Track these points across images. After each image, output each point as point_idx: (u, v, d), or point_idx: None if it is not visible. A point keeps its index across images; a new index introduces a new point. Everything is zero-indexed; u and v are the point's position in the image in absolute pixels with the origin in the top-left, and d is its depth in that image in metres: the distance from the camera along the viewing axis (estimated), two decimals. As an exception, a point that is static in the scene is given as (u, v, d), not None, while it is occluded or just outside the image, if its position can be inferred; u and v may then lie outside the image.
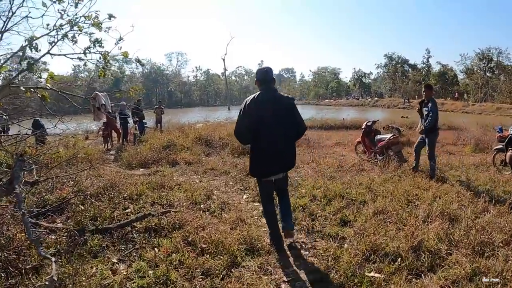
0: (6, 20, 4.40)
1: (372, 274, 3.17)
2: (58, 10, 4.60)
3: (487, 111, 37.81)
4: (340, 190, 5.38)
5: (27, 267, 3.31)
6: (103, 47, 5.08)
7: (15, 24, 4.61)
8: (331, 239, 3.88)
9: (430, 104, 6.94)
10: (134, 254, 3.65)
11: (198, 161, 8.30)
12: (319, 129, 17.83)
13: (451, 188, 5.78)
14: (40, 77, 4.85)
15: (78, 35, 4.95)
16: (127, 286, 3.07)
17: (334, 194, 5.23)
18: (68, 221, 4.46)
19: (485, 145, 11.55)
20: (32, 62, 4.54)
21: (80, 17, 4.77)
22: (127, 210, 4.81)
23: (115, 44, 4.95)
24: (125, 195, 5.28)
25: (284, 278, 3.26)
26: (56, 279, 2.84)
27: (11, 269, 3.24)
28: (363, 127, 9.05)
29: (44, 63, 68.47)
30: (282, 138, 3.68)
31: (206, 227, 3.98)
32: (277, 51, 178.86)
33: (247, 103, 3.63)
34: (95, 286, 2.99)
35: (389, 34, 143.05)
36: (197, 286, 3.04)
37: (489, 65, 52.37)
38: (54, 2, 4.53)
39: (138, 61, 5.42)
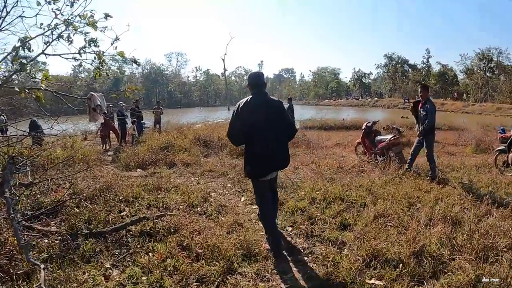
0: (0, 20, 4.32)
1: (372, 281, 3.07)
2: (52, 9, 4.54)
3: (487, 111, 37.67)
4: (340, 192, 5.28)
5: (19, 272, 3.21)
6: (98, 46, 4.99)
7: (9, 23, 4.54)
8: (330, 244, 3.77)
9: (427, 105, 6.85)
10: (128, 259, 3.55)
11: (196, 162, 8.20)
12: (318, 129, 17.74)
13: (453, 190, 5.68)
14: (35, 78, 4.76)
15: (74, 35, 4.88)
16: (119, 293, 2.97)
17: (334, 196, 5.13)
18: (62, 224, 4.36)
19: (486, 145, 11.44)
20: (25, 62, 4.46)
21: (75, 16, 4.69)
22: (122, 213, 4.72)
23: (111, 44, 4.88)
24: (121, 198, 5.19)
25: (282, 285, 3.15)
26: (44, 287, 2.74)
27: (1, 274, 3.14)
28: (363, 127, 8.93)
29: (44, 63, 68.49)
30: (274, 142, 3.74)
31: (202, 231, 3.88)
32: (277, 51, 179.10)
33: (240, 106, 3.70)
34: (86, 293, 2.89)
35: (389, 34, 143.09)
36: (192, 294, 2.95)
37: (489, 65, 52.23)
38: (49, 2, 4.47)
39: (134, 61, 5.32)
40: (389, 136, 8.23)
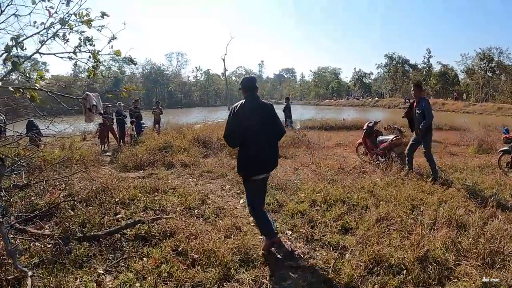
0: (-6, 18, 4.23)
1: (375, 288, 2.95)
2: (46, 7, 4.44)
3: (488, 111, 37.49)
4: (341, 194, 5.15)
5: (9, 278, 3.10)
6: (94, 45, 4.90)
7: (3, 22, 4.45)
8: (331, 249, 3.65)
9: (423, 103, 6.74)
10: (122, 264, 3.44)
11: (195, 163, 8.07)
12: (319, 129, 17.58)
13: (457, 192, 5.55)
14: (29, 77, 4.65)
15: (69, 34, 4.78)
16: (111, 301, 2.85)
17: (335, 198, 5.00)
18: (56, 227, 4.25)
19: (489, 146, 11.30)
20: (17, 61, 4.35)
21: (71, 14, 4.59)
22: (118, 216, 4.61)
23: (108, 42, 4.78)
24: (117, 200, 5.08)
25: (281, 293, 3.03)
26: (32, 295, 2.63)
27: (-9, 280, 3.03)
28: (364, 128, 8.79)
29: (44, 63, 68.55)
30: (267, 144, 3.87)
31: (199, 235, 3.76)
32: (278, 51, 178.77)
33: (236, 109, 3.81)
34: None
35: (389, 34, 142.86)
36: (187, 302, 2.83)
37: (490, 65, 52.05)
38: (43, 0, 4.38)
39: (131, 60, 5.21)
40: (391, 137, 8.09)
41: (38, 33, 4.67)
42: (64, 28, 4.70)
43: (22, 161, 6.22)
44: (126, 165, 8.09)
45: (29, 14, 4.55)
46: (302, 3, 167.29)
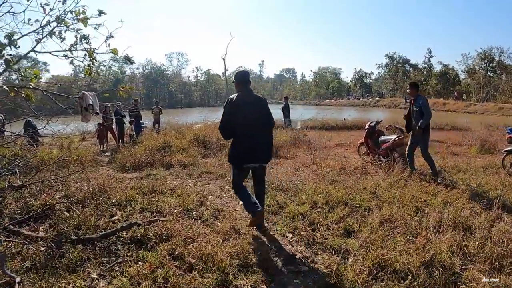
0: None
1: (380, 295, 2.82)
2: (40, 4, 4.35)
3: (489, 111, 37.40)
4: (343, 195, 5.02)
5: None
6: (90, 44, 4.81)
7: (-2, 20, 4.37)
8: (334, 253, 3.51)
9: (420, 100, 6.66)
10: (117, 269, 3.30)
11: (194, 163, 7.94)
12: (320, 129, 17.44)
13: (461, 194, 5.42)
14: (24, 76, 4.55)
15: (65, 32, 4.69)
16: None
17: (337, 200, 4.86)
18: (51, 229, 4.13)
19: (491, 146, 11.17)
20: (10, 59, 4.25)
21: (67, 12, 4.49)
22: (114, 218, 4.49)
23: (105, 41, 4.69)
24: (113, 201, 4.97)
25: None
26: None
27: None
28: (366, 127, 8.66)
29: (45, 63, 68.37)
30: (259, 136, 4.07)
31: (196, 238, 3.62)
32: (278, 51, 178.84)
33: (230, 102, 4.04)
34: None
35: (390, 33, 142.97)
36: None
37: (490, 64, 51.96)
38: (37, -4, 4.29)
39: (128, 58, 5.12)
40: (393, 137, 7.96)
41: (34, 31, 4.59)
42: (60, 26, 4.62)
43: (18, 161, 6.12)
44: (124, 166, 7.97)
45: (24, 11, 4.47)
46: (303, 3, 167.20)
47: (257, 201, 4.06)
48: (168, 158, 8.27)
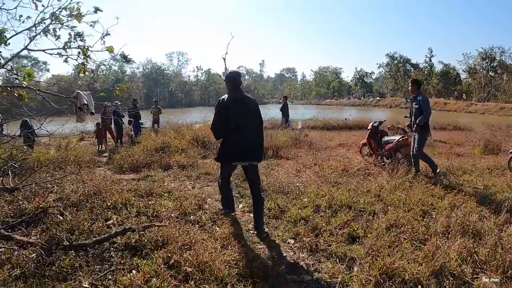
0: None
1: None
2: (33, 0, 4.21)
3: (490, 111, 37.23)
4: (346, 198, 4.84)
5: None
6: (84, 41, 4.66)
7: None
8: (338, 260, 3.33)
9: (419, 98, 6.51)
10: (110, 277, 3.13)
11: (193, 164, 7.75)
12: (321, 129, 17.24)
13: (468, 196, 5.24)
14: (17, 75, 4.39)
15: (60, 29, 4.53)
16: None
17: (340, 203, 4.68)
18: (43, 234, 3.96)
19: (495, 146, 10.98)
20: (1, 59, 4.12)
21: (61, 9, 4.34)
22: (108, 222, 4.32)
23: (101, 38, 4.54)
24: (109, 204, 4.79)
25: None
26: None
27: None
28: (369, 128, 8.46)
29: (45, 63, 68.28)
30: (250, 132, 4.15)
31: (193, 245, 3.43)
32: (278, 50, 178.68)
33: (223, 102, 4.15)
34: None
35: (391, 33, 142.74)
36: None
37: (491, 64, 51.78)
38: (30, -7, 4.15)
39: (124, 56, 4.95)
40: (397, 137, 7.77)
41: (28, 29, 4.43)
42: (54, 23, 4.46)
43: (13, 162, 5.95)
44: (122, 167, 7.80)
45: (15, 8, 4.32)
46: (303, 3, 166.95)
47: (232, 204, 4.62)
48: (166, 159, 8.09)
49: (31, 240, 3.81)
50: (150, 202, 4.90)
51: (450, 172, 6.78)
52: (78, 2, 4.32)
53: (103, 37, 4.50)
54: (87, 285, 3.01)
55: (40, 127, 4.99)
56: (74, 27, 4.49)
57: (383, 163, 7.56)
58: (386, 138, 8.00)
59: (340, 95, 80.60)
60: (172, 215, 4.40)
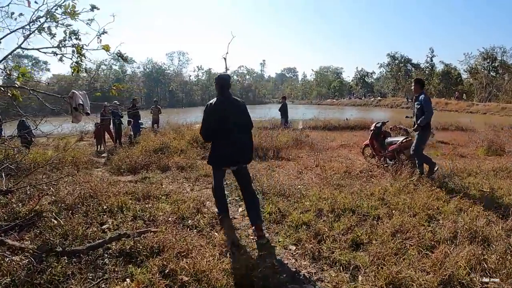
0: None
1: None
2: (25, -3, 4.11)
3: (491, 111, 37.03)
4: (349, 202, 4.68)
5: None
6: (79, 39, 4.54)
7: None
8: (341, 269, 3.18)
9: (421, 97, 6.34)
10: (103, 286, 3.00)
11: (192, 165, 7.60)
12: (322, 129, 17.08)
13: (474, 200, 5.07)
14: (9, 75, 4.26)
15: (56, 27, 4.42)
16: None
17: (343, 207, 4.53)
18: (36, 239, 3.82)
19: (498, 147, 10.80)
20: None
21: (56, 6, 4.22)
22: (104, 226, 4.18)
23: (98, 37, 4.42)
24: (104, 207, 4.65)
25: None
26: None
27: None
28: (372, 128, 8.27)
29: (45, 62, 68.27)
30: (238, 138, 4.14)
31: (190, 252, 3.29)
32: (279, 50, 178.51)
33: (211, 105, 4.16)
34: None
35: (392, 33, 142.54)
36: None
37: (493, 64, 51.54)
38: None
39: (121, 55, 4.82)
40: (400, 138, 7.60)
41: (22, 27, 4.33)
42: (48, 22, 4.36)
43: (9, 163, 5.82)
44: (120, 168, 7.66)
45: (8, 5, 4.21)
46: (303, 2, 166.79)
47: (227, 207, 4.60)
48: (165, 160, 7.94)
49: (23, 245, 3.68)
50: (147, 206, 4.76)
51: (454, 174, 6.62)
52: (73, 0, 4.21)
53: (100, 35, 4.39)
54: (78, 294, 2.88)
55: (36, 127, 4.88)
56: (70, 25, 4.38)
57: (386, 164, 7.41)
58: (389, 139, 7.83)
59: (341, 95, 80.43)
60: (170, 219, 4.26)
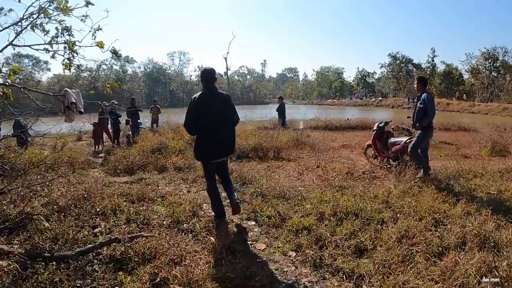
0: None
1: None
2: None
3: (493, 111, 36.83)
4: (352, 205, 4.48)
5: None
6: (72, 36, 4.39)
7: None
8: (345, 277, 2.99)
9: (424, 96, 6.18)
10: (91, 295, 2.82)
11: (190, 166, 7.41)
12: (323, 129, 16.88)
13: (481, 202, 4.88)
14: (0, 72, 4.10)
15: (47, 23, 4.28)
16: None
17: (346, 211, 4.33)
18: (25, 243, 3.65)
19: (502, 147, 10.60)
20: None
21: (48, 1, 4.06)
22: (96, 230, 4.02)
23: (93, 34, 4.27)
24: (98, 210, 4.47)
25: None
26: None
27: None
28: (374, 128, 8.06)
29: (46, 62, 68.24)
30: (223, 131, 4.25)
31: (184, 258, 3.11)
32: (280, 50, 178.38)
33: (196, 99, 4.16)
34: None
35: (393, 33, 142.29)
36: None
37: (494, 64, 51.32)
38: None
39: (115, 52, 4.66)
40: (404, 138, 7.38)
41: (14, 23, 4.21)
42: (41, 18, 4.23)
43: (2, 163, 5.66)
44: (117, 168, 7.48)
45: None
46: (304, 3, 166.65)
47: (224, 212, 4.49)
48: (162, 160, 7.76)
49: (11, 249, 3.51)
50: (141, 208, 4.58)
51: (460, 175, 6.42)
52: (66, -5, 4.05)
53: (94, 32, 4.25)
54: (65, 304, 2.70)
55: (30, 127, 4.71)
56: (63, 21, 4.23)
57: (389, 165, 7.21)
58: (392, 140, 7.63)
59: (342, 95, 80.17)
60: (164, 222, 4.08)
